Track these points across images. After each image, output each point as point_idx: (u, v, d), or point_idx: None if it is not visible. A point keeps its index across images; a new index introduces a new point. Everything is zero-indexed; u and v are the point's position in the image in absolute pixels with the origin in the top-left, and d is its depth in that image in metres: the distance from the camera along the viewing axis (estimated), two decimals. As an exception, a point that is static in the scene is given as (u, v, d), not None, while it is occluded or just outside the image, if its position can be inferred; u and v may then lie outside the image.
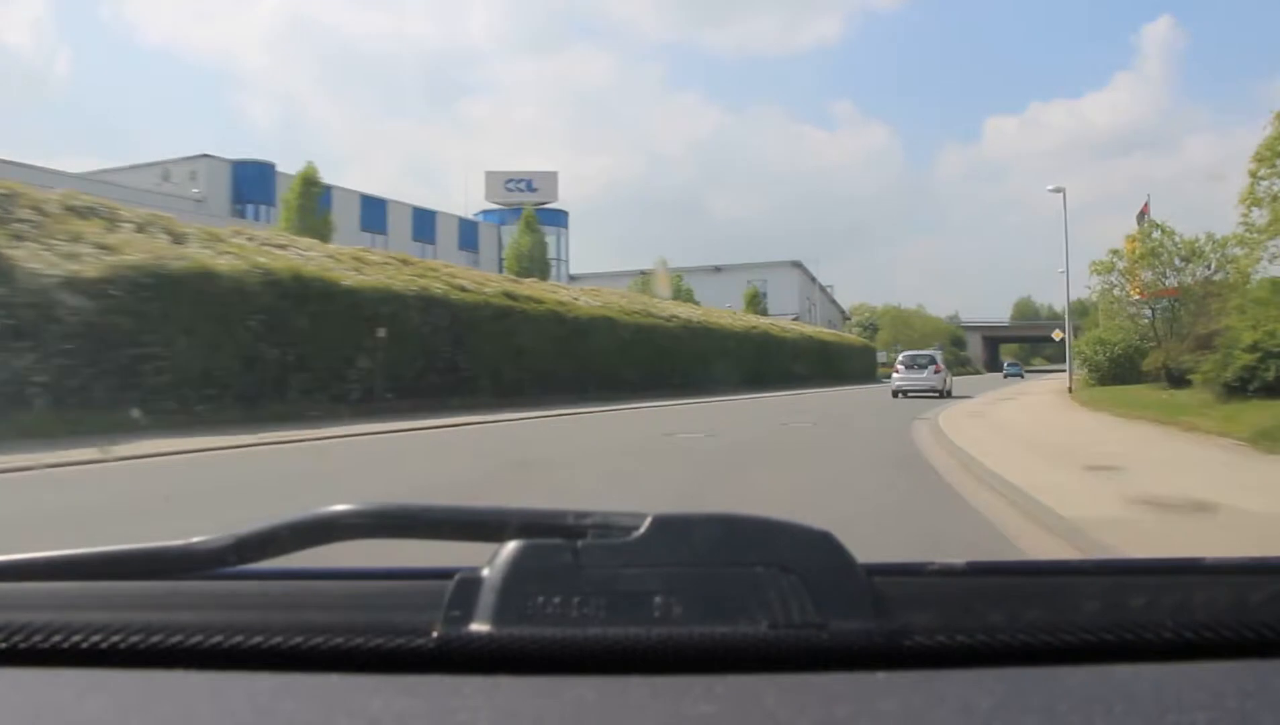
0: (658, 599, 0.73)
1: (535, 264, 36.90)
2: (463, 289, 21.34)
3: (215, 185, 44.83)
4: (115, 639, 0.76)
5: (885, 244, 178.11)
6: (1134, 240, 27.60)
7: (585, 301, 27.41)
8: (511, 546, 0.76)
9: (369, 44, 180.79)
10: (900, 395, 25.38)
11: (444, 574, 0.77)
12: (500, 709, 0.67)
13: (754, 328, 41.95)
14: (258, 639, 0.75)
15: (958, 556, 0.84)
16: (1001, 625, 0.75)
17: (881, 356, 70.99)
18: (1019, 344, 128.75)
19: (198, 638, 0.76)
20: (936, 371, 26.55)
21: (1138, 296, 27.57)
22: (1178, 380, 20.80)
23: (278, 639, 0.75)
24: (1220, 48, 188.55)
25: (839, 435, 13.90)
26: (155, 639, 0.76)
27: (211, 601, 0.80)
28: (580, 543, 0.76)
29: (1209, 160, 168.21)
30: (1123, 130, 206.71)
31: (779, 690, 0.68)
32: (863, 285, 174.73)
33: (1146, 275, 25.74)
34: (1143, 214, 31.05)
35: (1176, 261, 24.42)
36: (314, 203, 32.74)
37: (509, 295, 23.09)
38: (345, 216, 42.75)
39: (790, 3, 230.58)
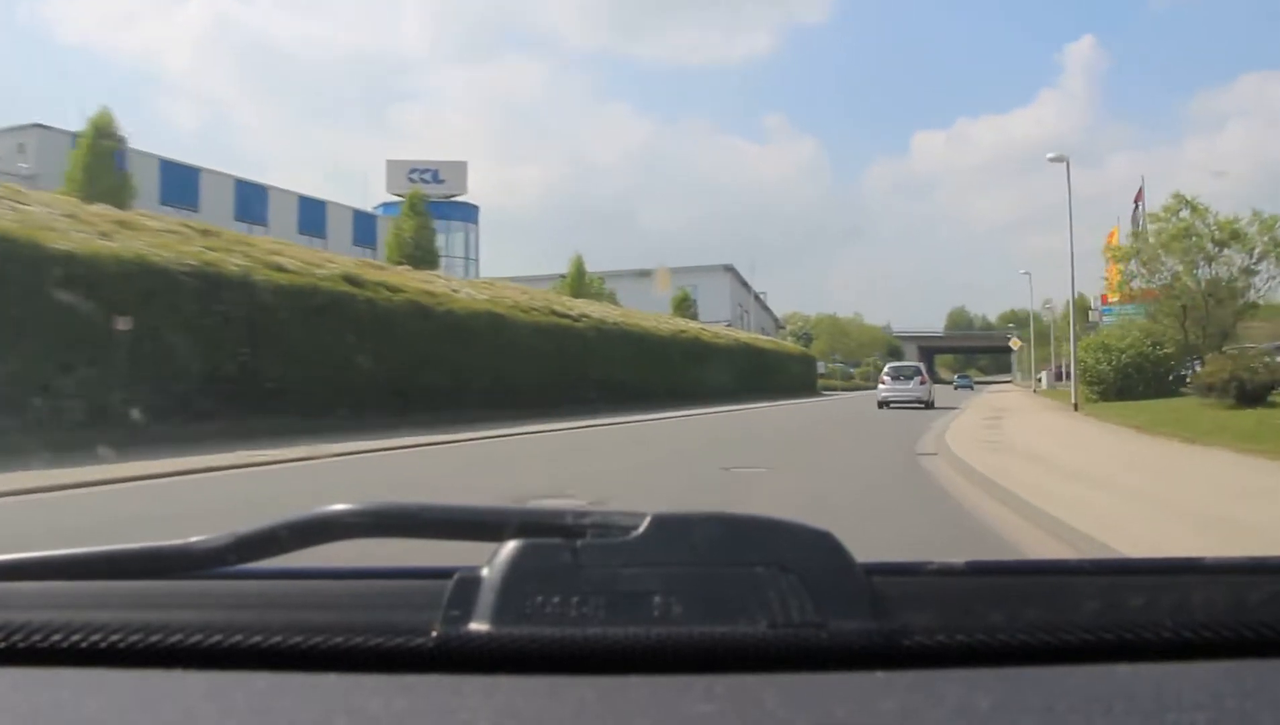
0: (657, 598, 0.73)
1: (422, 253, 30.90)
2: (280, 269, 15.41)
3: (50, 160, 37.53)
4: (114, 638, 0.76)
5: (817, 256, 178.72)
6: (1135, 235, 22.87)
7: (468, 293, 21.56)
8: (511, 546, 0.75)
9: (297, 49, 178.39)
10: (885, 406, 26.19)
11: (443, 573, 0.77)
12: (499, 709, 0.66)
13: (682, 332, 36.60)
14: (257, 638, 0.75)
15: None
16: (1001, 625, 0.75)
17: (820, 367, 66.32)
18: (953, 355, 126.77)
19: (197, 637, 0.75)
20: (922, 382, 27.39)
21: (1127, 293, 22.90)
22: (1252, 396, 15.83)
23: (277, 638, 0.75)
24: (1141, 67, 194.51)
25: (821, 490, 8.32)
26: (154, 638, 0.76)
27: (211, 601, 0.80)
28: (579, 542, 0.75)
29: (1132, 176, 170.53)
30: (1048, 146, 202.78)
31: (778, 690, 0.68)
32: (795, 296, 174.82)
33: (1167, 265, 21.12)
34: (1138, 201, 26.55)
35: (1209, 246, 20.02)
36: (108, 162, 25.07)
37: (351, 280, 17.21)
38: (218, 203, 38.12)
39: (721, 15, 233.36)
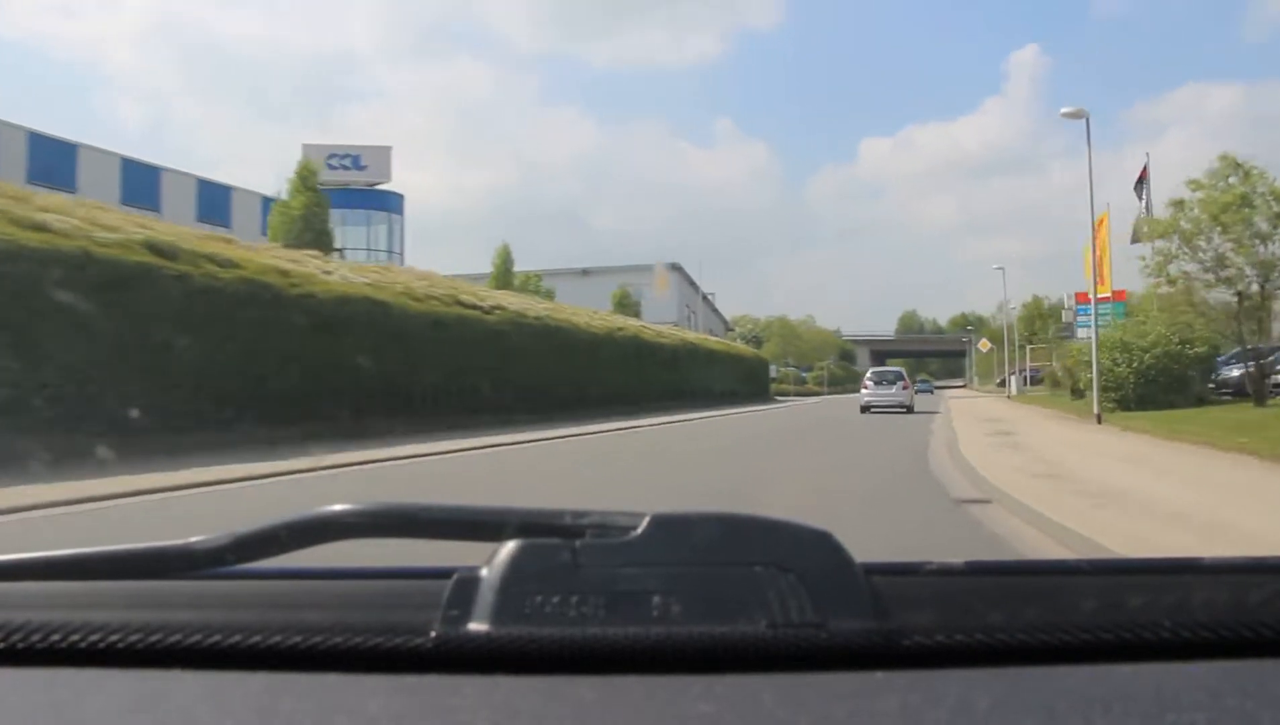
0: (656, 598, 0.73)
1: (314, 237, 26.08)
2: (42, 228, 10.86)
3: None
4: (114, 638, 0.76)
5: (767, 260, 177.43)
6: (1176, 206, 18.63)
7: (344, 276, 17.02)
8: (510, 546, 0.75)
9: (242, 46, 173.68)
10: (867, 411, 26.47)
11: (442, 573, 0.77)
12: (498, 709, 0.66)
13: (619, 330, 31.31)
14: (256, 638, 0.75)
15: None
16: (1000, 625, 0.74)
17: (772, 371, 62.54)
18: (904, 358, 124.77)
19: (196, 637, 0.75)
20: (904, 387, 27.95)
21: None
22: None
23: (276, 638, 0.75)
24: (1083, 76, 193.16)
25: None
26: (154, 638, 0.75)
27: (210, 601, 0.80)
28: (579, 542, 0.75)
29: (1071, 183, 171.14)
30: (992, 153, 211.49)
31: (777, 690, 0.68)
32: (745, 300, 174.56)
33: (1213, 243, 17.16)
34: (1142, 180, 22.94)
35: (1263, 222, 16.10)
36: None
37: (159, 249, 12.48)
38: (100, 183, 32.83)
39: (671, 19, 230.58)
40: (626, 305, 47.45)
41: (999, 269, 42.72)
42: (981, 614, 0.75)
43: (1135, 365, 19.47)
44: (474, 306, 20.84)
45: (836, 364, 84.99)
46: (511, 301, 23.75)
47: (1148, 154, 21.70)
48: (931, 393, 56.04)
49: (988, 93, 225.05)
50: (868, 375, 29.91)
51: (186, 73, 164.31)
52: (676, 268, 68.23)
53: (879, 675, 0.70)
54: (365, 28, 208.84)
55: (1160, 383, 19.16)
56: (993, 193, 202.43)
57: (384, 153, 54.72)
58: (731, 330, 77.78)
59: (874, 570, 0.76)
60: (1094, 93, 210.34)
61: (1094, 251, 24.53)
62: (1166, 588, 0.80)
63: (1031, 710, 0.66)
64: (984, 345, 55.40)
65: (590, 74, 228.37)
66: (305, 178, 28.59)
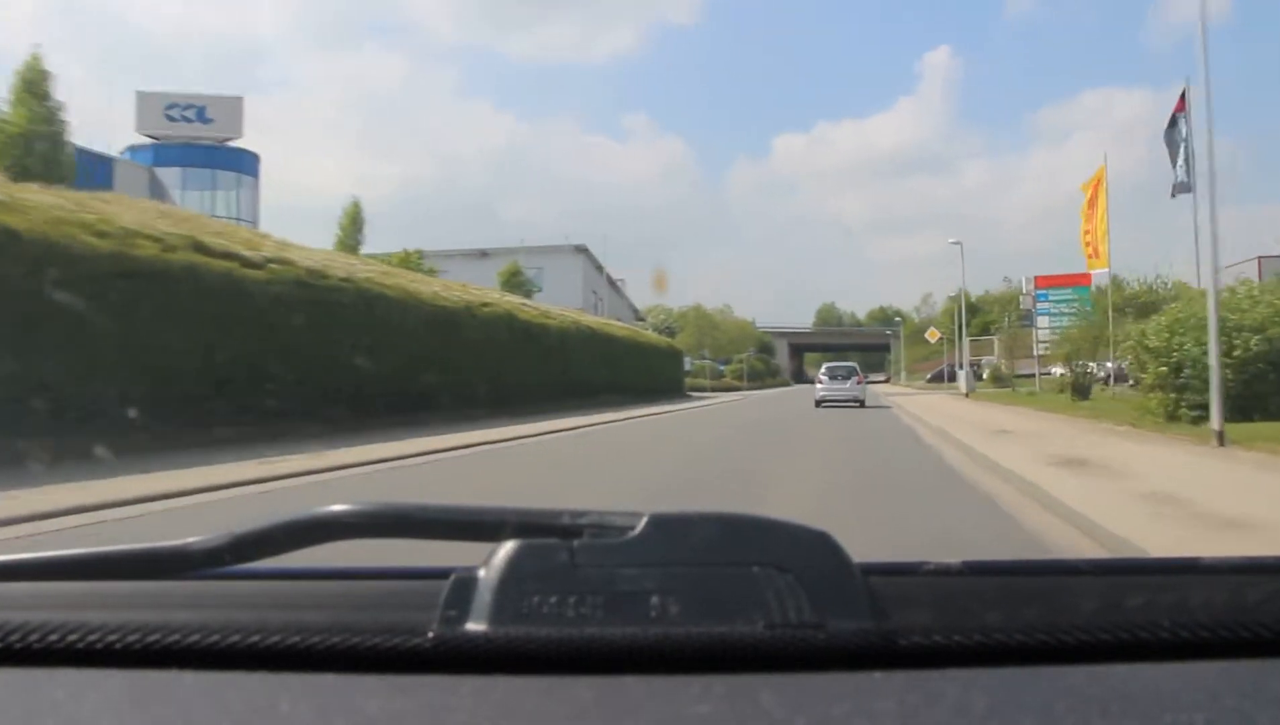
0: (654, 599, 0.72)
1: (43, 164, 18.32)
2: None
3: None
4: (111, 639, 0.75)
5: (682, 255, 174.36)
6: None
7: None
8: (508, 546, 0.75)
9: (145, 31, 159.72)
10: (821, 404, 27.19)
11: (440, 574, 0.77)
12: (496, 709, 0.66)
13: (484, 306, 22.77)
14: (254, 639, 0.75)
15: None
16: (998, 625, 0.74)
17: (686, 364, 55.98)
18: (822, 352, 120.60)
19: (194, 637, 0.75)
20: (858, 382, 28.37)
21: None
22: None
23: (274, 638, 0.75)
24: (993, 78, 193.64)
25: None
26: (151, 639, 0.75)
27: (207, 601, 0.79)
28: (577, 542, 0.75)
29: (983, 182, 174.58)
30: (905, 152, 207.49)
31: (775, 690, 0.68)
32: (661, 295, 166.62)
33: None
34: (1177, 113, 16.97)
35: None
36: None
37: None
38: None
39: (588, 13, 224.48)
40: (519, 286, 40.12)
41: (955, 244, 36.77)
42: (979, 614, 0.75)
43: (1240, 353, 12.79)
44: (227, 255, 12.93)
45: (756, 357, 79.06)
46: (306, 258, 15.54)
47: (1187, 79, 15.73)
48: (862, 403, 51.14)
49: (902, 92, 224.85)
50: (822, 371, 30.20)
51: (86, 59, 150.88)
52: (581, 250, 61.05)
53: (877, 675, 0.70)
54: (273, 15, 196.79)
55: (1272, 379, 12.77)
56: (906, 191, 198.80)
57: (234, 105, 46.26)
58: (642, 319, 71.10)
59: (872, 571, 0.76)
60: (1003, 95, 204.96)
61: (1091, 213, 19.01)
62: (1165, 588, 0.80)
63: (1029, 710, 0.66)
64: (931, 334, 49.96)
65: (507, 67, 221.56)
66: (32, 83, 20.22)
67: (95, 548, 0.86)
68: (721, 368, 68.27)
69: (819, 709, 0.65)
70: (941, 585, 0.81)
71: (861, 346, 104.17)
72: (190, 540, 0.82)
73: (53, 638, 0.75)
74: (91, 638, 0.75)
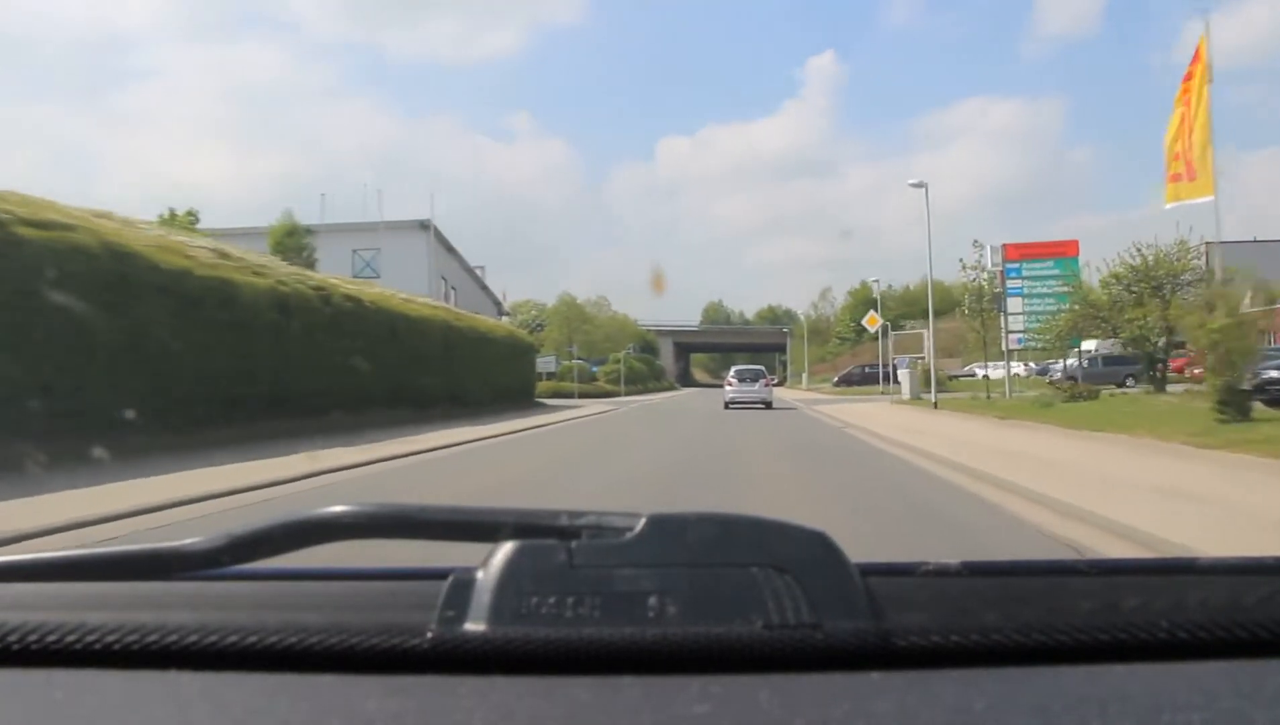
0: (652, 599, 0.73)
1: None
2: None
3: None
4: (109, 639, 0.76)
5: (566, 256, 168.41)
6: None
7: None
8: (506, 547, 0.76)
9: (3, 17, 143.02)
10: (729, 406, 27.76)
11: (438, 574, 0.77)
12: (495, 709, 0.66)
13: (213, 272, 13.80)
14: (252, 639, 0.75)
15: None
16: (996, 625, 0.74)
17: (549, 364, 45.27)
18: (709, 353, 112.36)
19: (192, 638, 0.75)
20: (766, 385, 29.44)
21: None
22: None
23: (272, 639, 0.75)
24: (876, 84, 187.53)
25: None
26: (149, 639, 0.75)
27: (205, 602, 0.80)
28: (575, 543, 0.75)
29: (866, 187, 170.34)
30: (790, 156, 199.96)
31: (773, 690, 0.68)
32: (540, 296, 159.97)
33: None
34: (1194, 63, 8.45)
35: None
36: None
37: None
38: None
39: (471, 9, 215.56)
40: (294, 244, 27.76)
41: (918, 185, 27.49)
42: (977, 614, 0.75)
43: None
44: None
45: (636, 355, 68.83)
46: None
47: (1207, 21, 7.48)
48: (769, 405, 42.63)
49: (786, 96, 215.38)
50: (731, 373, 31.09)
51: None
52: (425, 226, 49.25)
53: (875, 676, 0.70)
54: (141, 3, 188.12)
55: None
56: (790, 194, 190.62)
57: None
58: (507, 314, 60.26)
59: (870, 571, 0.76)
60: (886, 101, 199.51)
61: (1186, 113, 10.10)
62: (1162, 588, 0.80)
63: (1027, 710, 0.66)
64: (871, 321, 40.79)
65: (389, 63, 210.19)
66: None
67: (93, 549, 0.86)
68: (595, 369, 57.93)
69: (817, 709, 0.65)
70: (939, 586, 0.80)
71: (754, 347, 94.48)
72: (188, 541, 0.81)
73: (51, 639, 0.75)
74: (90, 638, 0.75)
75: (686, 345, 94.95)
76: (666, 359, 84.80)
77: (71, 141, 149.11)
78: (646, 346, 76.22)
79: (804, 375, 67.48)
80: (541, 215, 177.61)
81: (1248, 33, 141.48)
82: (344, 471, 10.24)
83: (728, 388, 29.55)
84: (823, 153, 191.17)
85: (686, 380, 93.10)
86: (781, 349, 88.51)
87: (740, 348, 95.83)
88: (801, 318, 76.34)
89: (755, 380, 29.02)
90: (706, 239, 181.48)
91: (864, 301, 52.77)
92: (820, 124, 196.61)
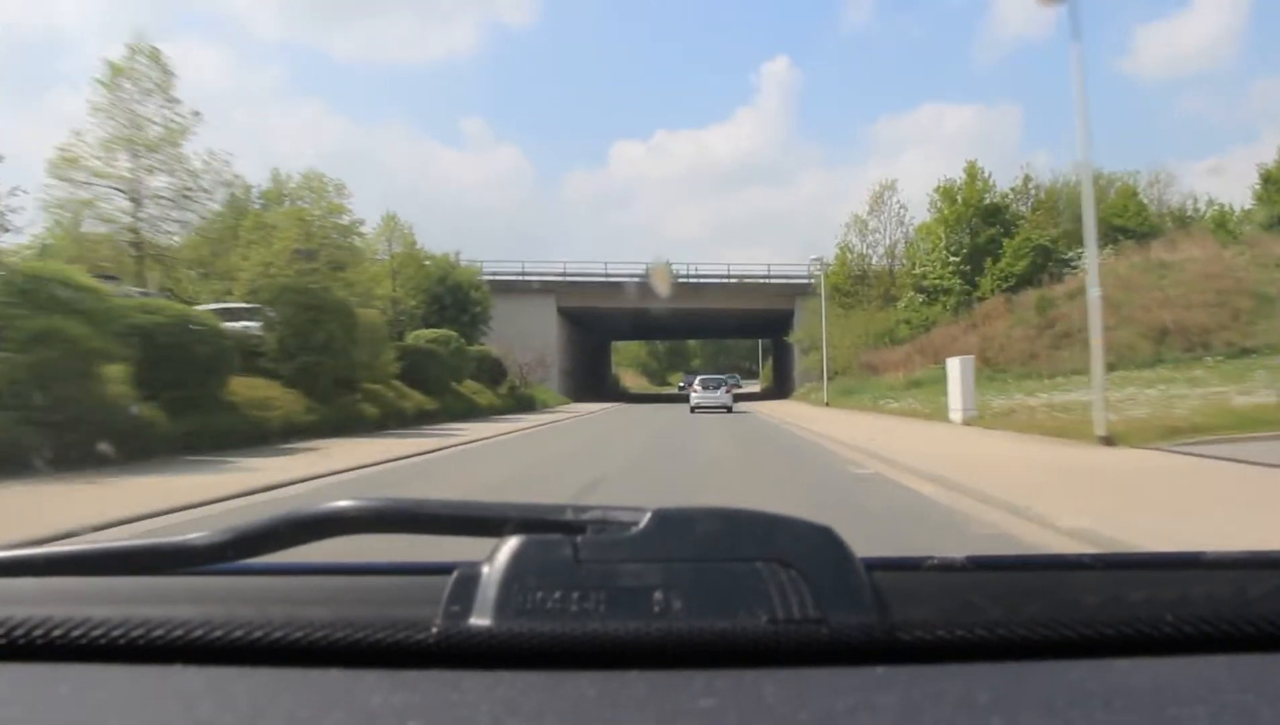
0: (657, 594, 0.73)
1: None
2: None
3: None
4: (115, 634, 0.76)
5: (521, 260, 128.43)
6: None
7: None
8: (511, 541, 0.76)
9: None
10: (695, 411, 30.15)
11: (443, 569, 0.77)
12: (500, 704, 0.67)
13: None
14: (257, 634, 0.75)
15: None
16: (1001, 620, 0.75)
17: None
18: (647, 342, 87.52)
19: (197, 633, 0.75)
20: (728, 392, 32.12)
21: None
22: None
23: (277, 634, 0.75)
24: (831, 90, 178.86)
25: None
26: (155, 634, 0.76)
27: (211, 596, 0.80)
28: (580, 538, 0.75)
29: (818, 194, 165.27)
30: (743, 162, 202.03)
31: (779, 685, 0.68)
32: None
33: None
34: None
35: None
36: None
37: None
38: None
39: (421, 11, 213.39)
40: None
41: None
42: (983, 609, 0.75)
43: None
44: None
45: (428, 327, 32.12)
46: None
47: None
48: (732, 400, 32.79)
49: (740, 102, 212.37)
50: (696, 381, 33.84)
51: None
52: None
53: (880, 670, 0.70)
54: (76, 3, 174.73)
55: None
56: (744, 201, 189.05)
57: None
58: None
59: (875, 565, 0.76)
60: (841, 107, 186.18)
61: None
62: (1167, 582, 0.80)
63: (1032, 705, 0.65)
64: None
65: (336, 67, 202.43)
66: None
67: (98, 543, 0.86)
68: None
69: (822, 704, 0.65)
70: (944, 580, 0.80)
71: (734, 326, 56.89)
72: (194, 535, 0.81)
73: (57, 633, 0.75)
74: (95, 633, 0.75)
75: (600, 318, 52.96)
76: (545, 337, 43.46)
77: (5, 143, 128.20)
78: (462, 303, 35.98)
79: (804, 382, 41.21)
80: (492, 221, 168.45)
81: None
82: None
83: (693, 394, 32.16)
84: (775, 160, 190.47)
85: (602, 387, 52.65)
86: (784, 327, 48.29)
87: (705, 329, 54.71)
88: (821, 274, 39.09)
89: (719, 387, 31.94)
90: (659, 245, 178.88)
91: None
92: (772, 131, 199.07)
